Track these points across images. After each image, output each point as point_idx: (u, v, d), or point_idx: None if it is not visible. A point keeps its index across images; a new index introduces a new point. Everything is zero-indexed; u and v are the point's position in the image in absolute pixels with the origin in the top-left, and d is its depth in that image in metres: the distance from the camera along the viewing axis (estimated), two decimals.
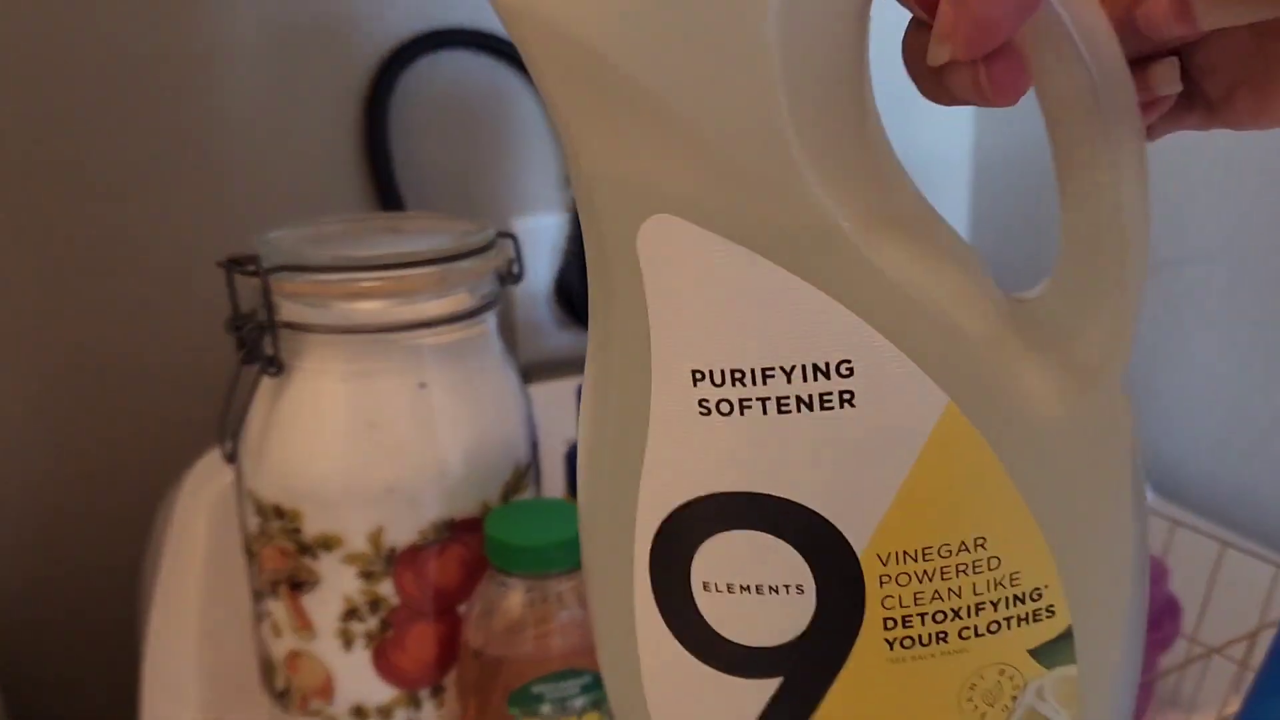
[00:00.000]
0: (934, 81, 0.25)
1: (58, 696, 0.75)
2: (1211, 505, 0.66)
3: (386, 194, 0.76)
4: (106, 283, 0.71)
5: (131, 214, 0.71)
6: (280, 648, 0.46)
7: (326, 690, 0.45)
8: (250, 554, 0.46)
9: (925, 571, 0.25)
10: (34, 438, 0.72)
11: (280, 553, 0.44)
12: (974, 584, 0.25)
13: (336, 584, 0.44)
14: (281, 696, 0.47)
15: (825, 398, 0.24)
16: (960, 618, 0.25)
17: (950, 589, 0.25)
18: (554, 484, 0.55)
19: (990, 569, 0.25)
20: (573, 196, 0.86)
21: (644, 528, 0.26)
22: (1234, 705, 0.45)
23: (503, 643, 0.43)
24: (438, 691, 0.46)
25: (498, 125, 0.80)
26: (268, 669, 0.47)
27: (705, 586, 0.26)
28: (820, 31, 0.23)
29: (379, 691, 0.45)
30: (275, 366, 0.44)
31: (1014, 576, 0.25)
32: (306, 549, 0.44)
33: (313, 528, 0.43)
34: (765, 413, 0.24)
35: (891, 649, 0.25)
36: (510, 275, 0.50)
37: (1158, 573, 0.51)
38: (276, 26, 0.72)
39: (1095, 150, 0.25)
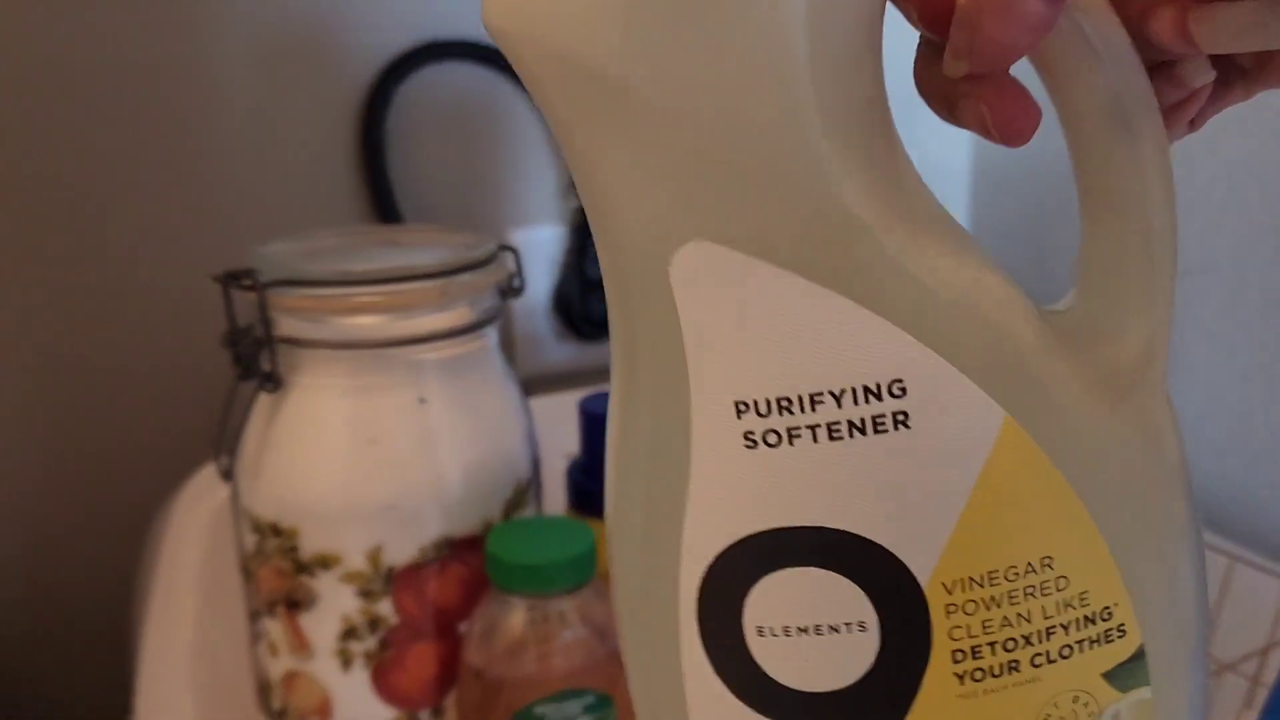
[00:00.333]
0: (946, 106, 0.24)
1: (51, 711, 0.74)
2: (1214, 518, 0.65)
3: (384, 207, 0.76)
4: (104, 295, 0.71)
5: (128, 226, 0.70)
6: (277, 668, 0.45)
7: (324, 711, 0.44)
8: (247, 573, 0.45)
9: (993, 597, 0.24)
10: (30, 449, 0.71)
11: (277, 572, 0.43)
12: (1044, 607, 0.24)
13: (334, 603, 0.43)
14: (278, 717, 0.46)
15: (879, 421, 0.23)
16: (1031, 644, 0.24)
17: (1020, 614, 0.24)
18: (555, 500, 0.54)
19: (1059, 589, 0.24)
20: (571, 209, 0.85)
21: (689, 573, 0.25)
22: None
23: (504, 663, 0.42)
24: (438, 713, 0.45)
25: (495, 137, 0.79)
26: (264, 689, 0.46)
27: (760, 631, 0.24)
28: (845, 38, 0.22)
29: (378, 712, 0.44)
30: (272, 382, 0.43)
31: (1083, 596, 0.24)
32: (304, 568, 0.43)
33: (310, 546, 0.43)
34: (816, 441, 0.23)
35: (962, 683, 0.24)
36: (511, 289, 0.49)
37: None
38: (272, 39, 0.72)
39: (1119, 158, 0.24)
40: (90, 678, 0.73)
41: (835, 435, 0.23)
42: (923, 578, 0.24)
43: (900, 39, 0.26)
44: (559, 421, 0.60)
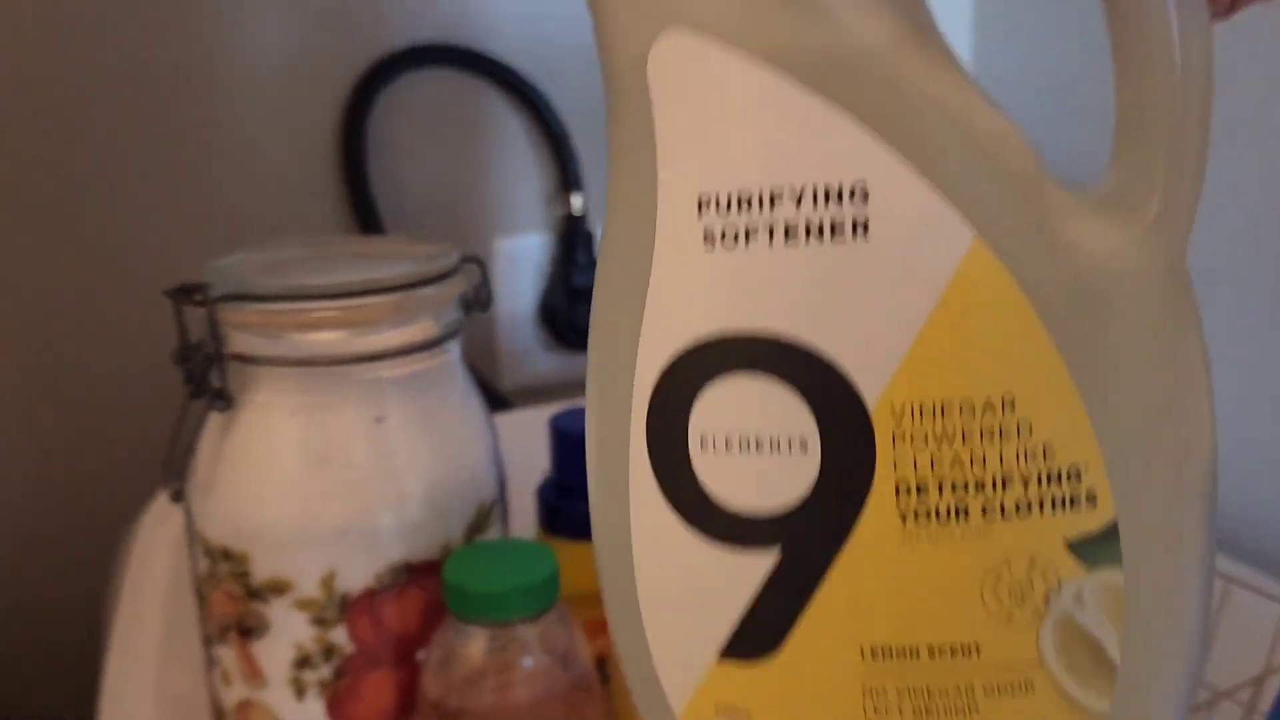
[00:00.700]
0: None
1: None
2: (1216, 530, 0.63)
3: (365, 215, 0.74)
4: (80, 307, 0.69)
5: (107, 235, 0.69)
6: (231, 696, 0.43)
7: None
8: (200, 597, 0.44)
9: (945, 431, 0.22)
10: (4, 459, 0.70)
11: (229, 597, 0.42)
12: (1000, 452, 0.22)
13: (287, 630, 0.41)
14: None
15: (837, 225, 0.22)
16: (983, 490, 0.23)
17: (973, 456, 0.22)
18: (525, 520, 0.52)
19: (1019, 436, 0.22)
20: (558, 217, 0.83)
21: (644, 376, 0.24)
22: None
23: (463, 693, 0.41)
24: None
25: (479, 145, 0.78)
26: (219, 718, 0.45)
27: (703, 444, 0.24)
28: None
29: None
30: (223, 400, 0.42)
31: (1048, 448, 0.23)
32: (255, 593, 0.41)
33: (262, 571, 0.41)
34: (772, 242, 0.23)
35: (904, 523, 0.23)
36: (478, 301, 0.47)
37: None
38: (251, 44, 0.71)
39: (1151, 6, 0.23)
40: (63, 693, 0.71)
41: (791, 237, 0.23)
42: (870, 399, 0.22)
43: None
44: (544, 435, 0.58)
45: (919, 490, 0.23)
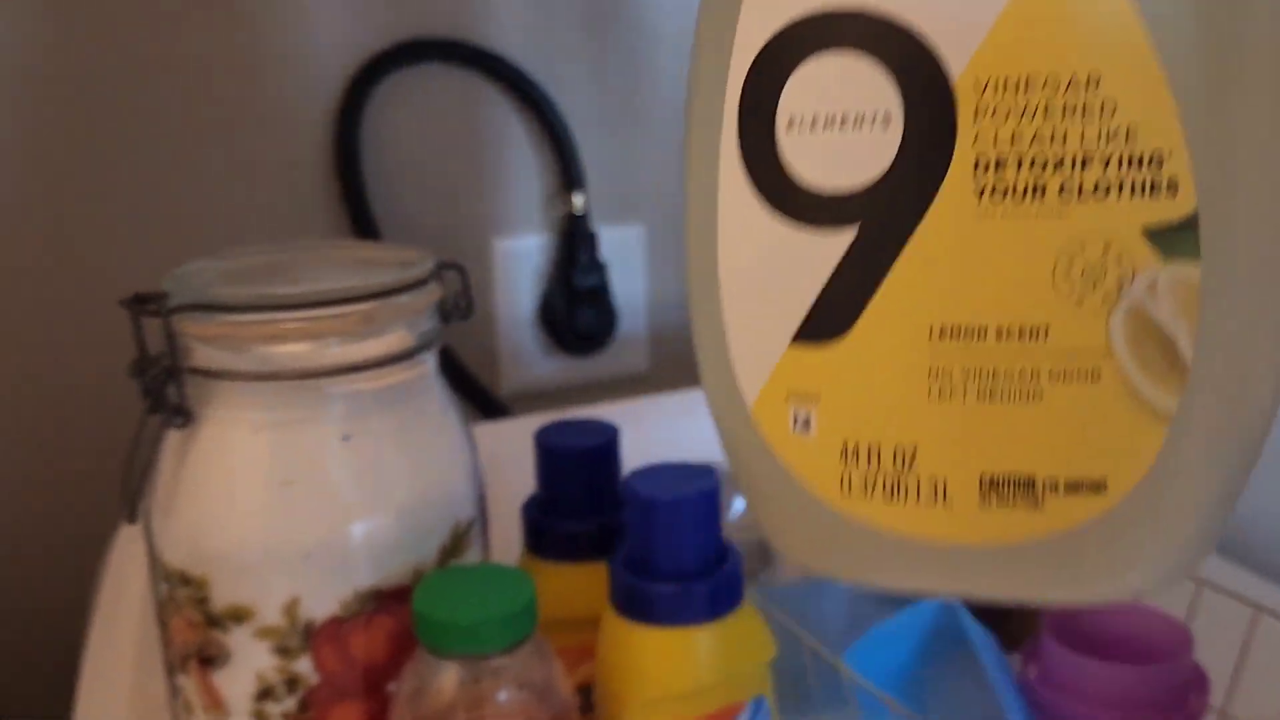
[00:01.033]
0: None
1: None
2: (1241, 550, 0.60)
3: (359, 217, 0.72)
4: (64, 315, 0.67)
5: (94, 239, 0.67)
6: None
7: None
8: (161, 624, 0.42)
9: (1027, 106, 0.22)
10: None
11: (188, 624, 0.40)
12: (1082, 131, 0.22)
13: (248, 660, 0.39)
14: None
15: None
16: (1061, 169, 0.22)
17: (1054, 132, 0.22)
18: (515, 538, 0.50)
19: (1102, 116, 0.22)
20: (558, 216, 0.80)
21: (738, 65, 0.25)
22: None
23: None
24: None
25: (477, 143, 0.75)
26: None
27: (790, 123, 0.24)
28: None
29: None
30: (181, 416, 0.40)
31: (1131, 131, 0.22)
32: (215, 621, 0.39)
33: (221, 598, 0.39)
34: None
35: (981, 199, 0.23)
36: (457, 309, 0.45)
37: (1181, 640, 0.46)
38: (239, 40, 0.68)
39: None
40: (46, 701, 0.70)
41: None
42: (955, 71, 0.23)
43: None
44: None
45: (997, 165, 0.23)
